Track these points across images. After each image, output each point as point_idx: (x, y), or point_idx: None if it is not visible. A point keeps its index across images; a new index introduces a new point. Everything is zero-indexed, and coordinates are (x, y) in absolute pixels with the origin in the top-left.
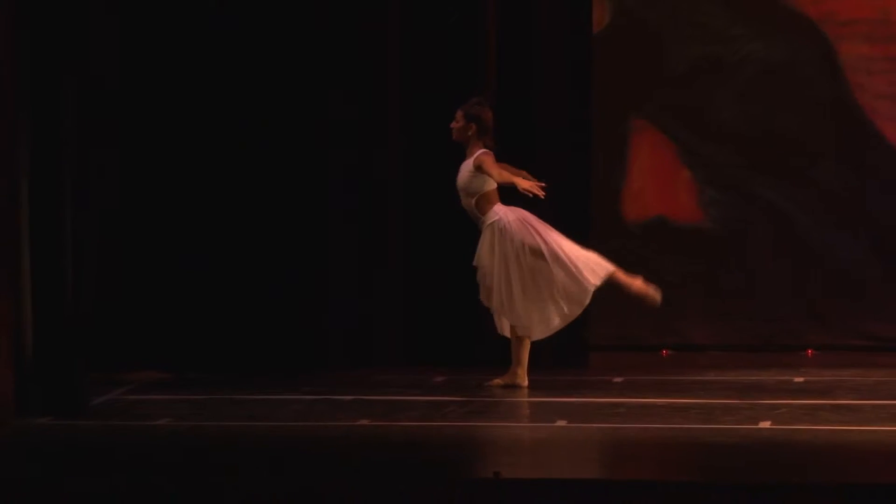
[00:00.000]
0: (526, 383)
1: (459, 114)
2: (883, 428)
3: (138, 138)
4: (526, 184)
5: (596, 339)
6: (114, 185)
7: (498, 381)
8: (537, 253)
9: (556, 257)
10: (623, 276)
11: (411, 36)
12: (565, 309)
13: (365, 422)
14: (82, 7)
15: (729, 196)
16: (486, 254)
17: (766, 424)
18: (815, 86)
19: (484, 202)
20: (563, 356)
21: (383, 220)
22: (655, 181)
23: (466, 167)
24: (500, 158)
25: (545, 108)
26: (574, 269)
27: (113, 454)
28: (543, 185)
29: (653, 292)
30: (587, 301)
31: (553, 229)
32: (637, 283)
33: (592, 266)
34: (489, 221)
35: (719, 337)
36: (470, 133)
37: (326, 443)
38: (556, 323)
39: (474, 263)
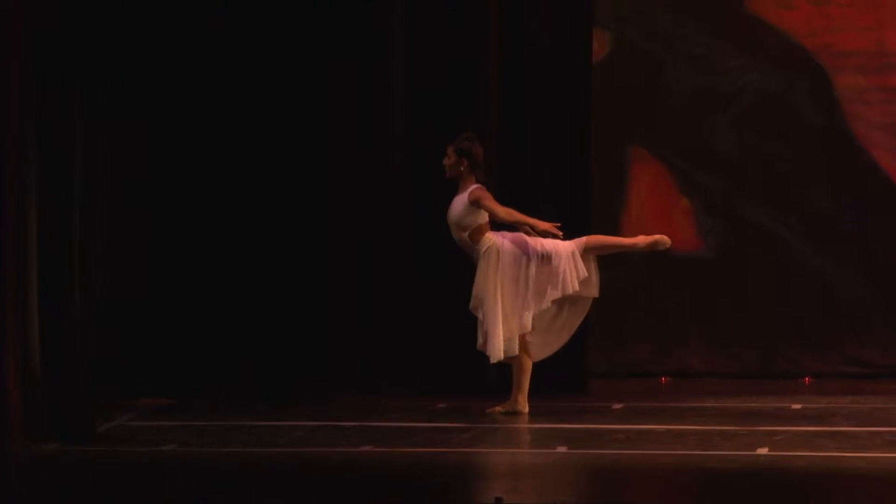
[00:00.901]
0: (527, 409)
1: (450, 150)
2: (880, 454)
3: (142, 162)
4: (545, 225)
5: (596, 366)
6: (118, 211)
7: (499, 407)
8: (541, 257)
9: (557, 253)
10: (626, 242)
11: (415, 67)
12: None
13: (367, 448)
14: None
15: (727, 224)
16: (481, 281)
17: (763, 451)
18: (811, 116)
19: (477, 233)
20: (564, 383)
21: (386, 246)
22: (654, 209)
23: (460, 201)
24: (502, 188)
25: (545, 137)
26: (575, 262)
27: (119, 480)
28: (559, 224)
29: (659, 238)
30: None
31: (544, 240)
32: (640, 241)
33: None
34: (484, 248)
35: (717, 364)
36: (462, 168)
37: (329, 469)
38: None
39: (471, 307)
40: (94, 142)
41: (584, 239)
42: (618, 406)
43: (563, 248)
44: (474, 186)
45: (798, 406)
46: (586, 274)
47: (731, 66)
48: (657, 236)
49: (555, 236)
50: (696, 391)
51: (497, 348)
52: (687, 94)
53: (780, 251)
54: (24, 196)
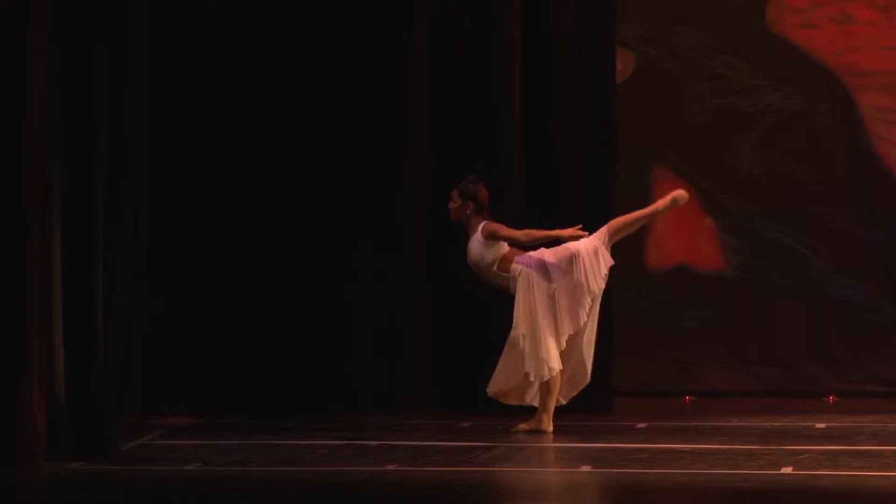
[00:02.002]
0: (551, 429)
1: (455, 193)
2: None
3: (165, 177)
4: (568, 231)
5: (619, 385)
6: (142, 230)
7: (523, 426)
8: (562, 270)
9: (578, 258)
10: (647, 211)
11: (438, 86)
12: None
13: (391, 466)
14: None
15: (750, 244)
16: (520, 307)
17: (787, 470)
18: (834, 135)
19: (504, 263)
20: (587, 402)
21: (410, 264)
22: (677, 229)
23: (476, 241)
24: (525, 209)
25: (568, 157)
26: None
27: (141, 499)
28: (580, 225)
29: (677, 194)
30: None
31: (569, 245)
32: (660, 204)
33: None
34: (516, 275)
35: (741, 383)
36: (468, 211)
37: (353, 487)
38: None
39: (514, 335)
40: (119, 155)
41: (604, 228)
42: (642, 425)
43: (584, 249)
44: (485, 223)
45: (822, 425)
46: (611, 262)
47: (754, 85)
48: (675, 193)
49: (580, 237)
50: (719, 410)
51: (544, 367)
52: (710, 114)
53: (803, 270)
54: (48, 221)
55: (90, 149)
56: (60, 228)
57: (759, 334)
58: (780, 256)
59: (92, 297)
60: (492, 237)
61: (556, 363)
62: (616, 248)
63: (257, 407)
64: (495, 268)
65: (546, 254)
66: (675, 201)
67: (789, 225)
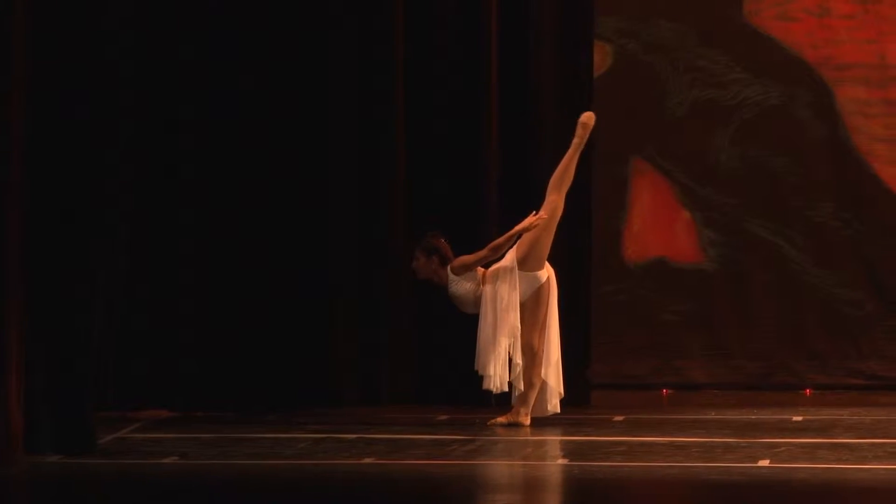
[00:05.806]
0: (528, 422)
1: (418, 251)
2: (881, 466)
3: (148, 175)
4: (525, 222)
5: (597, 378)
6: (122, 227)
7: (500, 419)
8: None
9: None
10: (571, 152)
11: (416, 88)
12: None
13: (369, 460)
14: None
15: (728, 237)
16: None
17: (764, 463)
18: (812, 129)
19: (484, 280)
20: (565, 394)
21: (389, 259)
22: (655, 222)
23: (451, 283)
24: (503, 203)
25: (546, 151)
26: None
27: (120, 492)
28: (534, 212)
29: (582, 119)
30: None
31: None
32: (576, 139)
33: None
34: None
35: (719, 376)
36: (434, 266)
37: (331, 481)
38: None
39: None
40: (97, 148)
41: (548, 192)
42: (619, 418)
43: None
44: (448, 266)
45: (799, 418)
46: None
47: (732, 78)
48: (581, 119)
49: (538, 221)
50: (697, 403)
51: (490, 381)
52: (688, 107)
53: (781, 263)
54: (26, 219)
55: (72, 148)
56: (39, 225)
57: (737, 327)
58: (759, 249)
59: (71, 291)
60: (463, 269)
61: (500, 382)
62: (593, 242)
63: (236, 401)
64: (479, 292)
65: (502, 262)
66: (585, 126)
67: (767, 218)
